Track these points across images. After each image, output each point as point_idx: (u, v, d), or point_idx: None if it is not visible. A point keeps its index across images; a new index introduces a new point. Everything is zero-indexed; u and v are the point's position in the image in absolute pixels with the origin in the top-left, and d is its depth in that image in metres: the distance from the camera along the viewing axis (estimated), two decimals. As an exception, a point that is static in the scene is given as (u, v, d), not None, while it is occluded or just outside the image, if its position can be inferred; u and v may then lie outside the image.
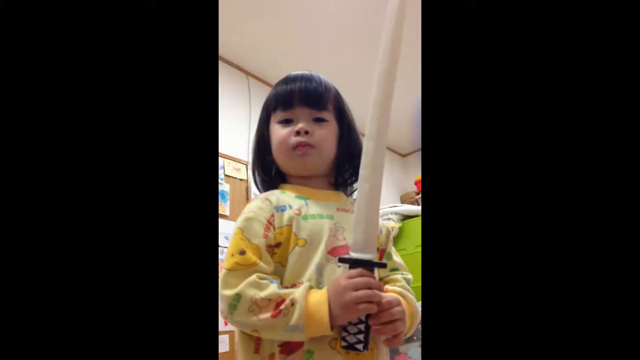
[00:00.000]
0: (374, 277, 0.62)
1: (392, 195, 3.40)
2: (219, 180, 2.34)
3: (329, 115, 0.80)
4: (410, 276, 0.79)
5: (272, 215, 0.70)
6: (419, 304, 0.73)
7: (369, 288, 0.59)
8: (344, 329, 0.60)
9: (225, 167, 2.40)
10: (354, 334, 0.59)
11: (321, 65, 2.52)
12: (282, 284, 0.65)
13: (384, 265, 0.70)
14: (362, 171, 0.64)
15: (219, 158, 2.38)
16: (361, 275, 0.60)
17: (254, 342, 0.66)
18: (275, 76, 0.91)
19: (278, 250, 0.68)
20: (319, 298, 0.60)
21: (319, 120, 0.78)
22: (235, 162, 2.48)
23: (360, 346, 0.59)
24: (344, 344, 0.60)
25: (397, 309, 0.63)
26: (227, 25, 2.32)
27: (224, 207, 2.31)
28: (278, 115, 0.80)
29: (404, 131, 3.05)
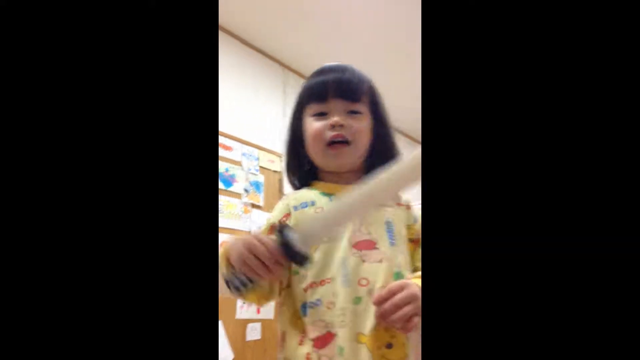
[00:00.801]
0: (278, 257, 0.58)
1: None
2: (254, 172, 2.37)
3: (363, 108, 0.79)
4: None
5: (286, 216, 0.72)
6: None
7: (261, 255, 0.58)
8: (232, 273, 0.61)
9: (260, 159, 2.43)
10: (238, 279, 0.60)
11: (357, 58, 2.46)
12: (309, 279, 0.67)
13: (298, 260, 0.61)
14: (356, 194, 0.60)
15: (254, 149, 2.42)
16: (260, 242, 0.58)
17: (299, 334, 0.67)
18: (311, 68, 0.91)
19: None
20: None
21: (354, 112, 0.77)
22: (269, 154, 2.50)
23: (232, 288, 0.60)
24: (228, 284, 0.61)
25: (401, 295, 0.59)
26: (263, 17, 2.33)
27: (258, 198, 2.34)
28: (312, 108, 0.78)
29: (416, 117, 2.99)
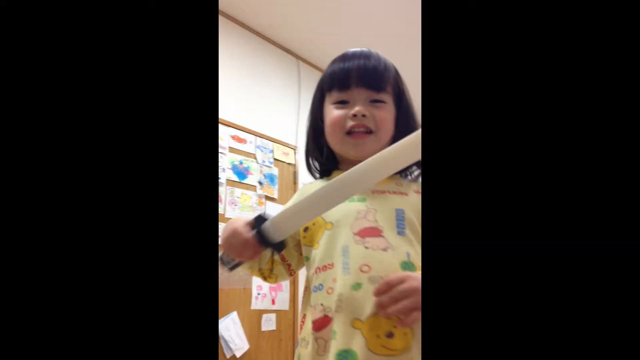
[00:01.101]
0: (253, 243, 0.62)
1: None
2: (269, 164, 2.38)
3: (387, 97, 0.75)
4: None
5: None
6: None
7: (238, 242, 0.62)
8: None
9: (275, 151, 2.44)
10: (226, 258, 0.68)
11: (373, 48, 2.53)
12: (315, 265, 0.68)
13: (271, 246, 0.64)
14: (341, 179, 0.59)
15: (269, 142, 2.42)
16: (239, 230, 0.62)
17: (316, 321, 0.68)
18: (326, 60, 0.90)
19: (307, 234, 0.71)
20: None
21: (377, 101, 0.74)
22: (284, 147, 2.51)
23: (221, 263, 0.68)
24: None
25: (400, 287, 0.57)
26: (278, 8, 2.32)
27: (272, 191, 2.36)
28: (333, 96, 0.75)
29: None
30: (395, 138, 0.75)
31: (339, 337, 0.62)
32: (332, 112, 0.75)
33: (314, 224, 0.70)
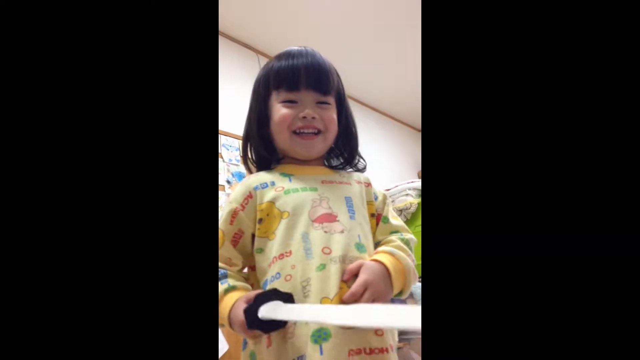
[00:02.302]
0: (252, 332, 0.60)
1: (409, 171, 3.33)
2: (236, 162, 2.37)
3: (331, 99, 0.80)
4: (410, 236, 0.77)
5: (247, 198, 0.73)
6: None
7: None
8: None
9: (241, 149, 2.40)
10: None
11: (330, 43, 2.59)
12: (271, 255, 0.68)
13: (271, 329, 0.61)
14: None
15: (234, 139, 2.42)
16: (238, 320, 0.60)
17: None
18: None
19: (261, 226, 0.72)
20: (227, 302, 0.64)
21: (323, 103, 0.78)
22: (250, 142, 2.44)
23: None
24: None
25: (366, 298, 0.61)
26: (237, 4, 2.32)
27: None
28: (281, 95, 0.77)
29: (418, 106, 3.11)
30: (339, 137, 0.82)
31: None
32: (280, 111, 0.76)
33: (267, 215, 0.72)
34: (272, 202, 0.71)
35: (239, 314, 0.59)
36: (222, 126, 2.37)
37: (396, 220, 0.80)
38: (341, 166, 0.84)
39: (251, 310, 0.58)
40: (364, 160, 0.88)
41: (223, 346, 2.08)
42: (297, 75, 0.75)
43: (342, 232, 0.68)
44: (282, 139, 0.77)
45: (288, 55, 0.78)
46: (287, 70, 0.76)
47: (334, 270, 0.63)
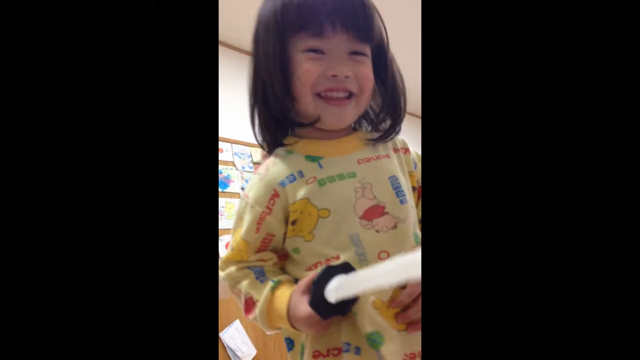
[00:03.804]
0: (318, 321, 0.52)
1: None
2: (249, 169, 2.40)
3: (368, 48, 0.59)
4: None
5: (273, 197, 0.58)
6: None
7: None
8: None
9: (253, 155, 2.44)
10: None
11: None
12: (312, 260, 0.58)
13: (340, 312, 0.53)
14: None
15: (245, 147, 2.44)
16: (298, 314, 0.52)
17: None
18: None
19: (295, 227, 0.59)
20: (280, 299, 0.56)
21: (357, 53, 0.58)
22: (261, 149, 2.46)
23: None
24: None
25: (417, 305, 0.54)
26: (231, 13, 2.33)
27: (252, 194, 2.35)
28: (303, 42, 0.57)
29: (418, 93, 2.63)
30: (381, 101, 0.64)
31: (365, 320, 0.54)
32: (302, 65, 0.57)
33: (301, 212, 0.58)
34: (307, 200, 0.57)
35: (303, 309, 0.51)
36: (231, 135, 2.40)
37: None
38: (383, 138, 0.64)
39: (318, 299, 0.50)
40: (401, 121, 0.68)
41: (251, 351, 2.11)
42: (325, 14, 0.54)
43: (395, 227, 0.57)
44: (304, 104, 0.59)
45: None
46: (311, 6, 0.54)
47: None
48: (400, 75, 0.65)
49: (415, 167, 0.66)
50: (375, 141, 0.65)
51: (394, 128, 0.66)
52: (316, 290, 0.50)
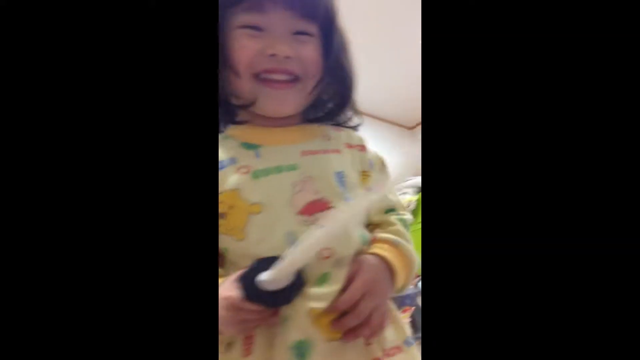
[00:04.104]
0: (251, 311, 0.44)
1: (405, 169, 3.22)
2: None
3: (314, 27, 0.54)
4: (408, 217, 0.59)
5: None
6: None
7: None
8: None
9: None
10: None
11: None
12: (243, 262, 0.48)
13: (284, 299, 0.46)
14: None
15: None
16: (227, 308, 0.44)
17: None
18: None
19: (225, 222, 0.51)
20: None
21: (302, 33, 0.53)
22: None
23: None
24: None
25: (364, 305, 0.47)
26: None
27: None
28: (241, 17, 0.52)
29: (407, 104, 3.03)
30: (322, 78, 0.56)
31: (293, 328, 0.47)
32: (240, 42, 0.52)
33: (231, 207, 0.51)
34: (237, 191, 0.51)
35: (230, 290, 0.44)
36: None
37: (394, 196, 0.61)
38: (326, 118, 0.60)
39: (248, 277, 0.44)
40: (358, 114, 0.63)
41: None
42: None
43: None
44: (241, 86, 0.53)
45: None
46: None
47: (341, 278, 0.48)
48: (349, 56, 0.58)
49: (372, 167, 0.60)
50: (318, 122, 0.60)
51: (340, 110, 0.60)
52: (249, 272, 0.45)
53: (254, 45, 0.51)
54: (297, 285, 0.45)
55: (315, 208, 0.50)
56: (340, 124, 0.62)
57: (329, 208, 0.51)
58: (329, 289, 0.47)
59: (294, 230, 0.48)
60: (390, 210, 0.58)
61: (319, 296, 0.47)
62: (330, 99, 0.60)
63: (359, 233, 0.53)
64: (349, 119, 0.62)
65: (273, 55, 0.51)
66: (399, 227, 0.55)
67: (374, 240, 0.54)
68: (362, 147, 0.61)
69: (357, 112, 0.63)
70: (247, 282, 0.44)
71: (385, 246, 0.52)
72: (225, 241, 0.51)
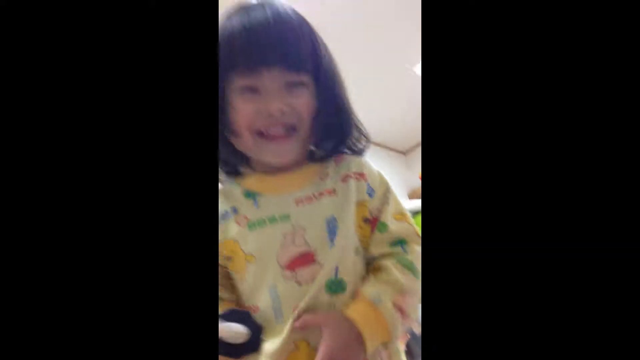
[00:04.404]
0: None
1: (398, 193, 3.00)
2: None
3: (306, 76, 0.56)
4: (417, 250, 0.56)
5: None
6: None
7: None
8: None
9: None
10: None
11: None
12: (245, 301, 0.55)
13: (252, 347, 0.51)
14: None
15: None
16: None
17: None
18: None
19: (231, 264, 0.56)
20: None
21: (295, 84, 0.55)
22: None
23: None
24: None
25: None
26: None
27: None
28: (237, 81, 0.54)
29: (400, 128, 3.06)
30: (317, 119, 0.58)
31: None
32: (239, 105, 0.55)
33: (235, 254, 0.55)
34: (236, 242, 0.55)
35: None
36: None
37: (400, 223, 0.58)
38: (331, 154, 0.61)
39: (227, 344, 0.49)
40: (365, 136, 0.63)
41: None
42: (255, 50, 0.51)
43: (316, 277, 0.52)
44: (248, 145, 0.57)
45: (239, 12, 0.54)
46: (241, 42, 0.52)
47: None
48: (345, 95, 0.61)
49: (372, 196, 0.59)
50: (322, 160, 0.62)
51: (341, 144, 0.62)
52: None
53: (251, 107, 0.54)
54: (255, 339, 0.50)
55: (300, 262, 0.52)
56: (344, 153, 0.64)
57: (313, 262, 0.52)
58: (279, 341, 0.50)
59: (276, 284, 0.52)
60: (397, 242, 0.56)
61: (271, 352, 0.50)
62: (330, 137, 0.61)
63: (328, 279, 0.52)
64: (353, 145, 0.64)
65: (270, 115, 0.53)
66: (394, 274, 0.53)
67: (356, 295, 0.53)
68: (361, 175, 0.60)
69: (362, 137, 0.64)
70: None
71: (361, 307, 0.51)
72: (234, 277, 0.57)
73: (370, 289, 0.52)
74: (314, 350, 0.49)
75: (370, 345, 0.49)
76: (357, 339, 0.48)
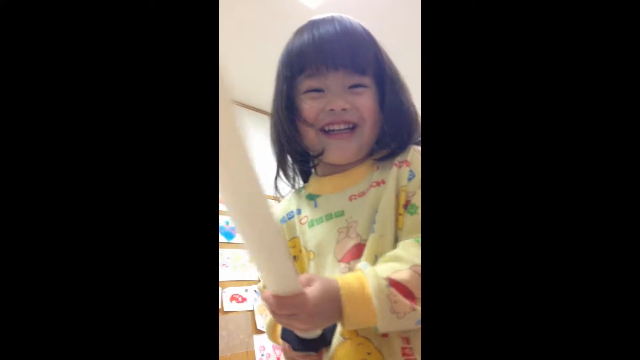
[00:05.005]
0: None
1: None
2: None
3: (369, 79, 0.62)
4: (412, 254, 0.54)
5: None
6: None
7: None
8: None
9: None
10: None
11: None
12: None
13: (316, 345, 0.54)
14: None
15: None
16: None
17: None
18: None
19: (296, 263, 0.64)
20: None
21: (357, 86, 0.61)
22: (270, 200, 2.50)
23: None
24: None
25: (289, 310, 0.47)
26: (250, 74, 2.39)
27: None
28: (303, 84, 0.61)
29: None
30: (382, 122, 0.63)
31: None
32: (304, 104, 0.62)
33: (300, 251, 0.62)
34: (298, 239, 0.63)
35: (282, 344, 0.55)
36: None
37: (414, 216, 0.58)
38: (391, 156, 0.63)
39: (287, 332, 0.54)
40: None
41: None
42: (320, 55, 0.58)
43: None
44: (309, 141, 0.63)
45: (310, 27, 0.61)
46: (307, 49, 0.59)
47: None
48: (409, 99, 0.65)
49: (411, 178, 0.59)
50: (378, 161, 0.64)
51: (402, 148, 0.63)
52: (289, 337, 0.55)
53: (316, 105, 0.61)
54: (329, 331, 0.54)
55: (353, 254, 0.57)
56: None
57: (361, 254, 0.57)
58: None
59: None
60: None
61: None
62: (392, 139, 0.64)
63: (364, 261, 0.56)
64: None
65: (332, 110, 0.60)
66: (399, 251, 0.53)
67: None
68: (404, 162, 0.60)
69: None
70: (288, 336, 0.54)
71: (354, 274, 0.51)
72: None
73: (373, 267, 0.52)
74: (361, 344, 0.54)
75: (352, 317, 0.48)
76: (334, 303, 0.48)
